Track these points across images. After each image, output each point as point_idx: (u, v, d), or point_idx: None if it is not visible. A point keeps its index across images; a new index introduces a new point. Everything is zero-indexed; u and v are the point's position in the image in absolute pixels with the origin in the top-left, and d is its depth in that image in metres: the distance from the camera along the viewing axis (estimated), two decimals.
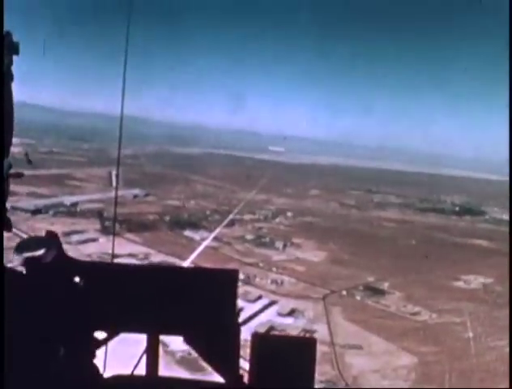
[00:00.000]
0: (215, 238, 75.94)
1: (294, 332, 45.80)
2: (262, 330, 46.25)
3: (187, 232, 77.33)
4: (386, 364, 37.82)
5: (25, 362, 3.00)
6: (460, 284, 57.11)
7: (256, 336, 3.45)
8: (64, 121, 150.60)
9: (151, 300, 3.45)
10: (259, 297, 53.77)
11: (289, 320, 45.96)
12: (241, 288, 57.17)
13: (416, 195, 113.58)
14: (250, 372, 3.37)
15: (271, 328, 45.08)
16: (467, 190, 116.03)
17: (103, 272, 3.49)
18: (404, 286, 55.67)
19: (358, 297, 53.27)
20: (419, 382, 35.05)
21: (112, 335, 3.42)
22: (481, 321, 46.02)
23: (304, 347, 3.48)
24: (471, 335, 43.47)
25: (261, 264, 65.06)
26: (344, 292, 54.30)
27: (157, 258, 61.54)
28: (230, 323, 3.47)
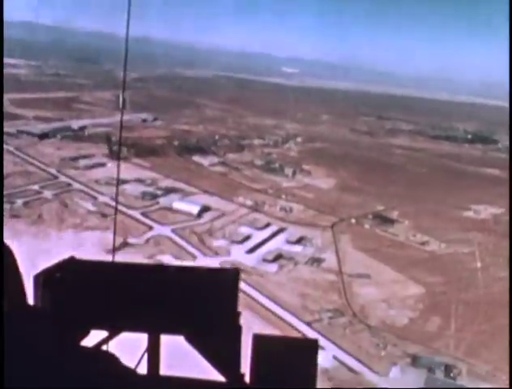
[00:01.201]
0: (224, 164, 75.55)
1: (303, 260, 46.15)
2: (270, 257, 46.68)
3: (196, 158, 76.89)
4: (394, 294, 38.02)
5: (26, 360, 2.62)
6: (470, 213, 56.82)
7: (257, 337, 3.22)
8: (69, 41, 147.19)
9: (152, 299, 3.30)
10: (268, 225, 53.85)
11: (298, 248, 46.09)
12: (250, 216, 57.35)
13: (427, 122, 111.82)
14: (251, 372, 3.23)
15: (279, 256, 45.30)
16: (479, 118, 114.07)
17: (103, 271, 3.36)
18: (414, 215, 55.46)
19: (367, 226, 53.24)
20: (425, 312, 35.29)
21: (112, 334, 3.24)
22: (490, 251, 45.97)
23: (304, 348, 3.39)
24: (479, 265, 43.52)
25: (270, 191, 64.87)
26: (353, 221, 54.24)
27: (164, 183, 61.35)
28: (231, 323, 3.35)
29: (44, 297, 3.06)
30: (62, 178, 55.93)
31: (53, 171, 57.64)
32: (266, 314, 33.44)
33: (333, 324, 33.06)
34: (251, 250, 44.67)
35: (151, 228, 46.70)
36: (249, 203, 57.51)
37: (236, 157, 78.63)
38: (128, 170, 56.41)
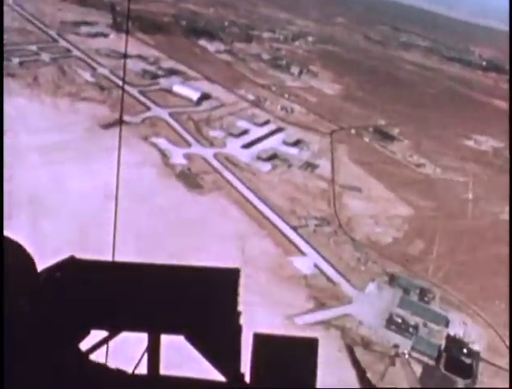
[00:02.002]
0: (230, 52, 73.12)
1: (297, 164, 45.57)
2: (264, 156, 46.08)
3: (202, 42, 74.28)
4: (383, 211, 38.01)
5: (28, 359, 2.83)
6: (471, 143, 56.16)
7: (257, 336, 3.33)
8: None
9: (152, 298, 3.40)
10: (267, 122, 52.77)
11: (294, 150, 45.48)
12: (250, 110, 56.16)
13: (443, 41, 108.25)
14: (251, 371, 3.33)
15: (274, 156, 44.64)
16: (497, 45, 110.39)
17: (103, 271, 3.42)
18: (414, 135, 54.67)
19: (366, 139, 52.46)
20: (410, 234, 35.47)
21: (112, 334, 3.39)
22: (484, 184, 45.80)
23: (305, 347, 3.42)
24: (470, 196, 43.45)
25: (273, 88, 63.21)
26: (353, 131, 53.37)
27: (167, 64, 59.34)
28: (231, 322, 3.43)
29: (44, 296, 3.02)
30: (62, 43, 53.83)
31: (53, 33, 55.33)
32: (254, 214, 33.44)
33: (318, 232, 33.16)
34: (247, 146, 43.99)
35: (148, 108, 45.57)
36: (250, 97, 56.13)
37: (244, 48, 76.06)
38: (132, 44, 54.35)
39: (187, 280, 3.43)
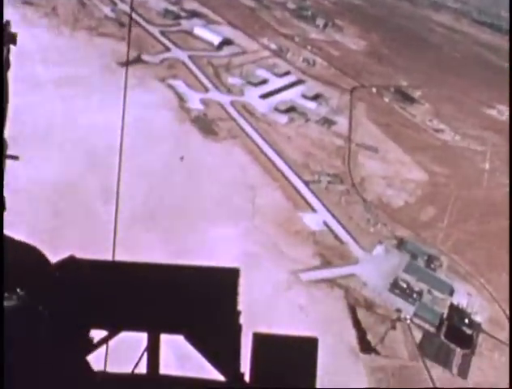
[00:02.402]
0: None
1: (315, 118, 44.90)
2: (282, 108, 45.36)
3: None
4: (396, 174, 37.51)
5: (27, 358, 2.82)
6: (493, 112, 54.92)
7: (257, 336, 3.44)
8: None
9: (152, 298, 3.42)
10: (287, 73, 51.62)
11: (312, 104, 44.64)
12: (271, 60, 54.96)
13: (476, 4, 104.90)
14: (251, 371, 3.41)
15: (292, 108, 43.97)
16: None
17: (103, 271, 3.50)
18: (436, 100, 53.50)
19: (386, 99, 51.38)
20: (423, 199, 35.04)
21: (113, 333, 3.48)
22: (502, 155, 44.93)
23: (304, 346, 3.52)
24: (487, 166, 42.73)
25: (296, 39, 61.70)
26: (374, 90, 52.22)
27: (190, 5, 57.62)
28: (231, 322, 3.50)
29: (44, 296, 3.35)
30: None
31: None
32: (267, 165, 33.04)
33: (330, 190, 32.78)
34: (265, 96, 42.95)
35: (168, 49, 44.58)
36: (272, 46, 54.80)
37: None
38: None
39: (187, 280, 3.46)
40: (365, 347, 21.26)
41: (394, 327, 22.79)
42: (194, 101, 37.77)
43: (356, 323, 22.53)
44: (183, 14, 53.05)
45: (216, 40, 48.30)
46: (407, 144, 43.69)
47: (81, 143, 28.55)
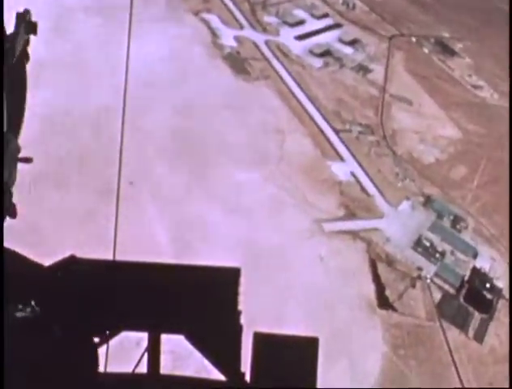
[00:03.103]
0: None
1: (350, 64, 43.66)
2: (317, 51, 44.02)
3: None
4: (429, 129, 36.44)
5: (27, 357, 3.31)
6: None
7: (257, 335, 4.63)
8: None
9: (152, 298, 4.62)
10: (325, 15, 49.60)
11: (348, 50, 43.13)
12: (309, 0, 52.97)
13: None
14: (252, 370, 4.76)
15: (327, 52, 42.49)
16: None
17: (103, 271, 4.31)
18: (477, 54, 51.32)
19: (426, 50, 49.41)
20: (454, 157, 34.08)
21: (113, 333, 4.39)
22: None
23: (305, 346, 4.79)
24: None
25: None
26: (413, 39, 50.19)
27: None
28: (231, 322, 4.77)
29: (44, 295, 4.11)
30: None
31: None
32: (298, 110, 32.25)
33: (360, 140, 31.95)
34: (300, 37, 41.12)
35: None
36: None
37: None
38: None
39: (187, 280, 3.54)
40: (383, 302, 21.07)
41: (413, 285, 22.54)
42: (228, 38, 36.64)
43: (376, 278, 22.28)
44: None
45: None
46: (443, 99, 42.26)
47: (109, 75, 28.00)
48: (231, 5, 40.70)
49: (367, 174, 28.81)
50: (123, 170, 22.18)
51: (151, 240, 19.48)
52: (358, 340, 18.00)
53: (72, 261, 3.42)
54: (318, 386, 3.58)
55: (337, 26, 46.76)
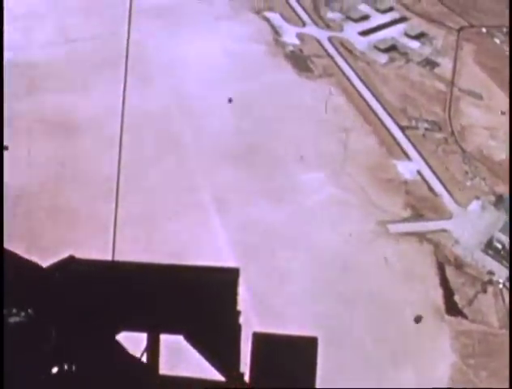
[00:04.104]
0: None
1: (416, 59, 42.32)
2: (382, 46, 42.98)
3: None
4: (501, 124, 34.85)
5: (26, 358, 2.97)
6: None
7: (256, 335, 3.61)
8: None
9: (152, 298, 3.51)
10: (390, 9, 48.32)
11: (415, 44, 41.92)
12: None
13: None
14: (251, 371, 3.57)
15: (393, 47, 41.38)
16: None
17: (103, 271, 4.02)
18: None
19: (497, 40, 47.44)
20: None
21: (112, 333, 3.46)
22: None
23: (304, 346, 3.63)
24: None
25: None
26: (484, 30, 48.31)
27: None
28: (231, 322, 3.55)
29: (44, 296, 3.60)
30: None
31: None
32: (362, 107, 31.58)
33: (427, 137, 30.96)
34: (365, 33, 40.34)
35: None
36: None
37: None
38: None
39: (187, 280, 3.71)
40: (452, 308, 20.27)
41: (484, 290, 21.57)
42: (290, 35, 36.34)
43: (444, 282, 21.47)
44: None
45: None
46: None
47: (167, 76, 28.28)
48: (293, 2, 40.30)
49: (434, 173, 27.84)
50: (185, 160, 22.40)
51: (213, 243, 19.52)
52: (425, 348, 17.37)
53: (71, 261, 3.55)
54: (318, 387, 3.62)
55: (403, 20, 45.53)
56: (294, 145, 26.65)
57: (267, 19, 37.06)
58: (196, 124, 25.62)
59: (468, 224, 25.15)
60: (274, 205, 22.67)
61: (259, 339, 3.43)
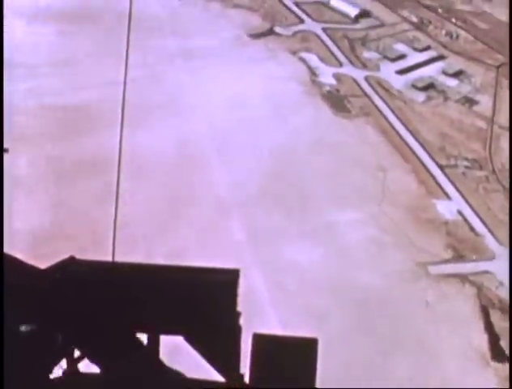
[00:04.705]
0: None
1: (455, 97, 41.84)
2: (420, 85, 42.65)
3: None
4: None
5: (26, 360, 2.91)
6: None
7: (256, 336, 3.50)
8: None
9: (152, 299, 3.41)
10: (427, 48, 48.25)
11: (453, 82, 41.55)
12: (410, 33, 51.74)
13: None
14: (251, 372, 3.52)
15: (431, 85, 41.08)
16: None
17: (103, 271, 3.45)
18: None
19: None
20: None
21: (112, 334, 3.29)
22: None
23: (304, 347, 3.55)
24: None
25: (440, 10, 57.64)
26: None
27: None
28: (231, 323, 3.52)
29: (44, 297, 3.02)
30: None
31: None
32: (400, 146, 31.23)
33: (467, 175, 30.31)
34: (402, 72, 40.17)
35: (302, 21, 43.20)
36: (413, 18, 51.46)
37: None
38: None
39: (187, 280, 4.03)
40: (497, 354, 19.36)
41: None
42: (327, 76, 36.48)
43: (489, 326, 20.60)
44: None
45: (353, 11, 46.30)
46: None
47: (205, 115, 28.54)
48: (329, 42, 40.60)
49: (475, 212, 27.12)
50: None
51: (246, 284, 19.25)
52: None
53: (71, 262, 3.58)
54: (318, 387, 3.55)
55: (440, 58, 45.29)
56: (331, 185, 26.40)
57: (304, 60, 37.35)
58: (231, 161, 25.69)
59: None
60: (310, 246, 22.34)
61: (259, 340, 3.44)
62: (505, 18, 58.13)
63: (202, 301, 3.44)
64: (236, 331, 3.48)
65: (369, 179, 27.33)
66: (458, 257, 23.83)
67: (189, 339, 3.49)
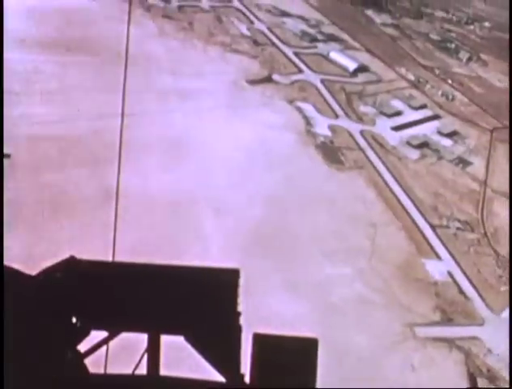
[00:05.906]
0: (397, 27, 68.90)
1: (448, 157, 41.91)
2: (415, 142, 42.66)
3: (369, 12, 70.56)
4: None
5: (26, 360, 2.91)
6: None
7: (257, 336, 3.48)
8: None
9: (152, 299, 3.44)
10: (423, 106, 48.86)
11: (447, 142, 41.72)
12: (407, 91, 52.29)
13: None
14: (251, 371, 3.50)
15: (425, 144, 41.23)
16: None
17: (103, 271, 3.52)
18: None
19: None
20: None
21: (113, 334, 3.47)
22: None
23: (304, 347, 3.54)
24: None
25: (437, 71, 58.53)
26: None
27: (329, 29, 56.60)
28: (231, 323, 3.53)
29: (44, 296, 3.18)
30: None
31: None
32: (392, 202, 30.91)
33: (459, 237, 29.89)
34: (397, 128, 40.52)
35: (300, 71, 43.69)
36: (410, 77, 52.24)
37: (412, 24, 71.21)
38: (294, 4, 52.74)
39: (187, 280, 3.43)
40: None
41: None
42: (322, 127, 36.43)
43: None
44: (320, 37, 52.15)
45: (352, 65, 46.80)
46: None
47: (196, 158, 28.16)
48: (327, 94, 40.75)
49: (466, 275, 26.58)
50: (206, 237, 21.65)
51: None
52: None
53: (72, 262, 3.21)
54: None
55: (435, 117, 45.57)
56: (320, 238, 25.85)
57: (300, 109, 37.34)
58: (221, 209, 25.12)
59: (502, 333, 23.56)
60: (296, 298, 21.61)
61: (260, 340, 3.44)
62: (499, 83, 59.10)
63: (202, 301, 3.43)
64: (236, 331, 3.49)
65: (360, 234, 26.83)
66: (447, 320, 23.16)
67: (190, 339, 3.48)
